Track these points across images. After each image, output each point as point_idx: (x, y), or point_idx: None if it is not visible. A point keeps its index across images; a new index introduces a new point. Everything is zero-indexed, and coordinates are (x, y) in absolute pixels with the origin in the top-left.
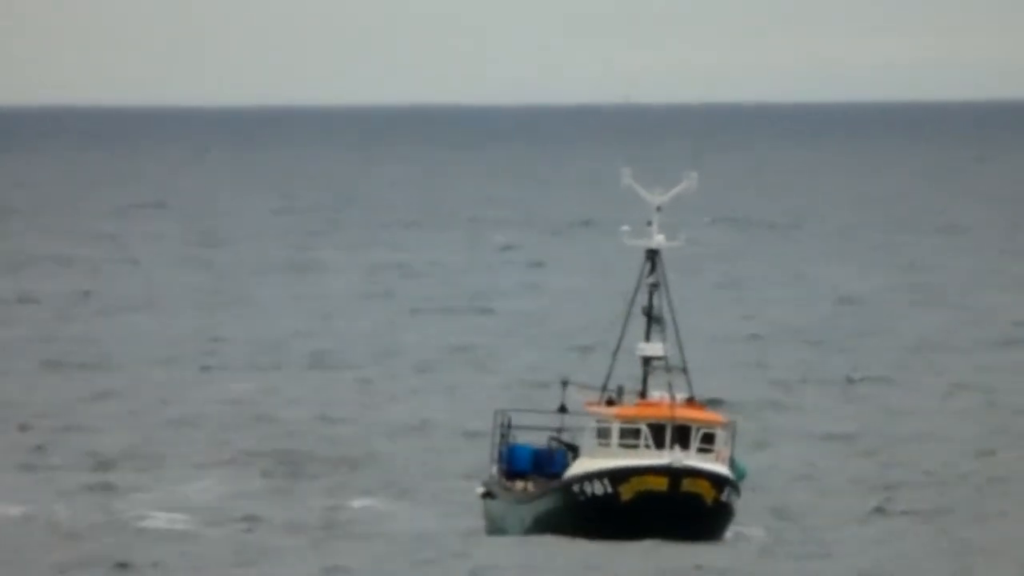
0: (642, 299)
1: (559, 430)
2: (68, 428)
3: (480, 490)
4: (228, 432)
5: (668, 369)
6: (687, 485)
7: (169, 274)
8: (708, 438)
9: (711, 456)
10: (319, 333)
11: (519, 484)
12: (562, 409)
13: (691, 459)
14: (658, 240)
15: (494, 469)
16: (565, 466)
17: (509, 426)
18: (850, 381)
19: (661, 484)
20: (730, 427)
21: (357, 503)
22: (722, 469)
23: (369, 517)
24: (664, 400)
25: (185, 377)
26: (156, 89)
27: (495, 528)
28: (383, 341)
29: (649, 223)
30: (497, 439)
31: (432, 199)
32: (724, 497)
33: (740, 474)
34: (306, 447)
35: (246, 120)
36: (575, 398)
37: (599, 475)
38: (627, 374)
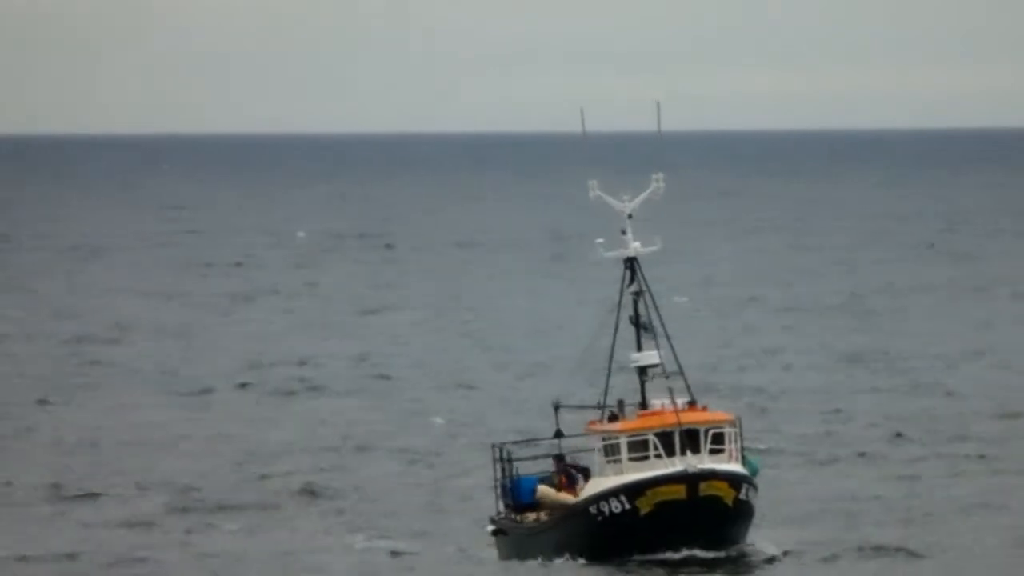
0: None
1: (559, 456)
2: None
3: (490, 528)
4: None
5: (666, 375)
6: (705, 489)
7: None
8: (718, 438)
9: (723, 456)
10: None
11: (530, 516)
12: (558, 434)
13: (704, 462)
14: (635, 248)
15: (501, 505)
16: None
17: (509, 459)
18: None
19: (679, 492)
20: (737, 423)
21: (365, 540)
22: (737, 467)
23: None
24: (666, 408)
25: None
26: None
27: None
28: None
29: (623, 232)
30: (499, 474)
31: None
32: (743, 495)
33: (753, 469)
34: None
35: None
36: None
37: (615, 492)
38: (623, 386)
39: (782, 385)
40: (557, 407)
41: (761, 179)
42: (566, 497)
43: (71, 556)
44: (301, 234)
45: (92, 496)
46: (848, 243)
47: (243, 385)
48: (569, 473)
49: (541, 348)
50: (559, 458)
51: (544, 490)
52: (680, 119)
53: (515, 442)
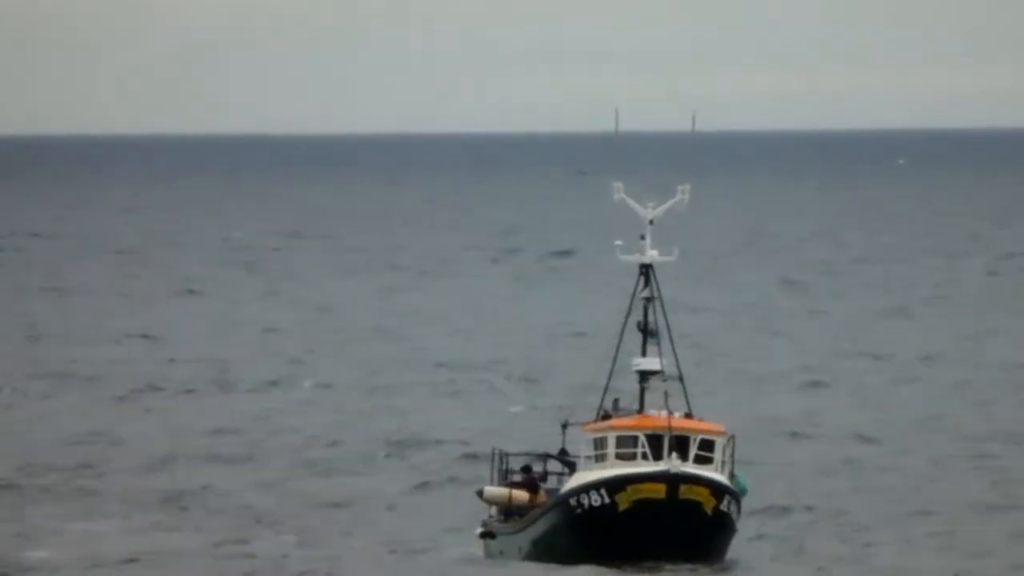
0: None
1: (527, 467)
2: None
3: (479, 531)
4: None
5: (664, 379)
6: (685, 492)
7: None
8: (707, 445)
9: (711, 466)
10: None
11: None
12: (562, 452)
13: (689, 468)
14: (651, 255)
15: (493, 509)
16: None
17: (507, 467)
18: None
19: (659, 491)
20: (730, 439)
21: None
22: (722, 478)
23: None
24: (661, 414)
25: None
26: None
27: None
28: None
29: (642, 237)
30: (496, 479)
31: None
32: (724, 506)
33: (740, 487)
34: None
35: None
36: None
37: (595, 485)
38: (625, 392)
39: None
40: (565, 425)
41: (759, 180)
42: (515, 494)
43: None
44: (239, 234)
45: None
46: (817, 245)
47: (158, 386)
48: (533, 482)
49: (475, 352)
50: (526, 469)
51: (490, 490)
52: (679, 120)
53: (518, 454)
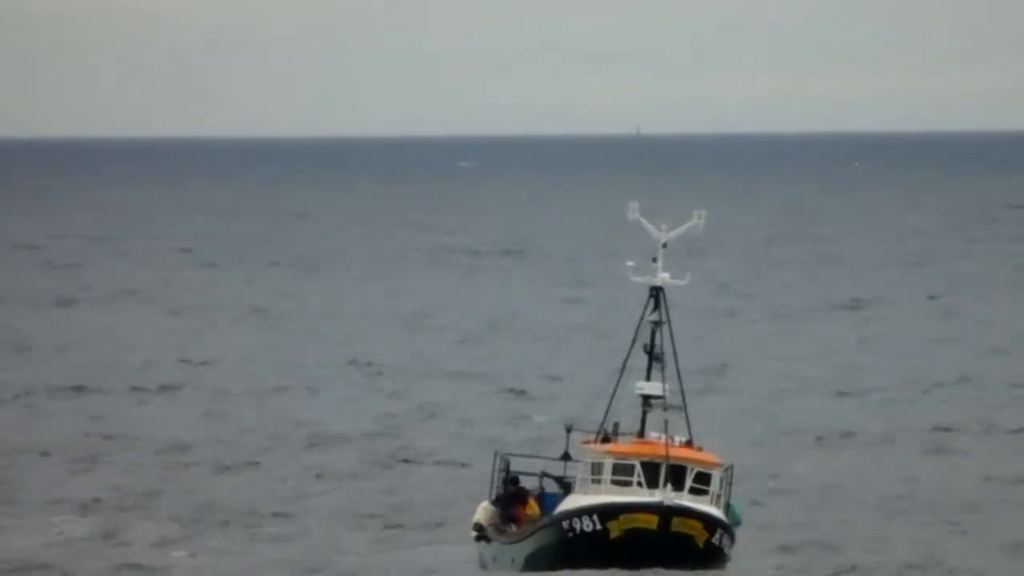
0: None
1: (515, 479)
2: None
3: (474, 533)
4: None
5: (666, 408)
6: (677, 525)
7: None
8: (703, 479)
9: (706, 498)
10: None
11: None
12: (565, 456)
13: (684, 499)
14: (663, 278)
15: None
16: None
17: (508, 469)
18: None
19: (651, 522)
20: (728, 471)
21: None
22: (715, 511)
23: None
24: (661, 440)
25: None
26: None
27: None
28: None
29: (654, 260)
30: (498, 481)
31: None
32: (716, 540)
33: (735, 519)
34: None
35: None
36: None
37: (588, 511)
38: (629, 414)
39: None
40: (569, 429)
41: (758, 182)
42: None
43: None
44: (187, 241)
45: None
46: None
47: (79, 387)
48: (522, 494)
49: (394, 352)
50: (514, 480)
51: (484, 506)
52: (679, 121)
53: (520, 455)
